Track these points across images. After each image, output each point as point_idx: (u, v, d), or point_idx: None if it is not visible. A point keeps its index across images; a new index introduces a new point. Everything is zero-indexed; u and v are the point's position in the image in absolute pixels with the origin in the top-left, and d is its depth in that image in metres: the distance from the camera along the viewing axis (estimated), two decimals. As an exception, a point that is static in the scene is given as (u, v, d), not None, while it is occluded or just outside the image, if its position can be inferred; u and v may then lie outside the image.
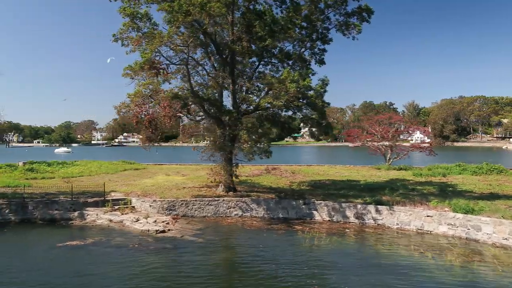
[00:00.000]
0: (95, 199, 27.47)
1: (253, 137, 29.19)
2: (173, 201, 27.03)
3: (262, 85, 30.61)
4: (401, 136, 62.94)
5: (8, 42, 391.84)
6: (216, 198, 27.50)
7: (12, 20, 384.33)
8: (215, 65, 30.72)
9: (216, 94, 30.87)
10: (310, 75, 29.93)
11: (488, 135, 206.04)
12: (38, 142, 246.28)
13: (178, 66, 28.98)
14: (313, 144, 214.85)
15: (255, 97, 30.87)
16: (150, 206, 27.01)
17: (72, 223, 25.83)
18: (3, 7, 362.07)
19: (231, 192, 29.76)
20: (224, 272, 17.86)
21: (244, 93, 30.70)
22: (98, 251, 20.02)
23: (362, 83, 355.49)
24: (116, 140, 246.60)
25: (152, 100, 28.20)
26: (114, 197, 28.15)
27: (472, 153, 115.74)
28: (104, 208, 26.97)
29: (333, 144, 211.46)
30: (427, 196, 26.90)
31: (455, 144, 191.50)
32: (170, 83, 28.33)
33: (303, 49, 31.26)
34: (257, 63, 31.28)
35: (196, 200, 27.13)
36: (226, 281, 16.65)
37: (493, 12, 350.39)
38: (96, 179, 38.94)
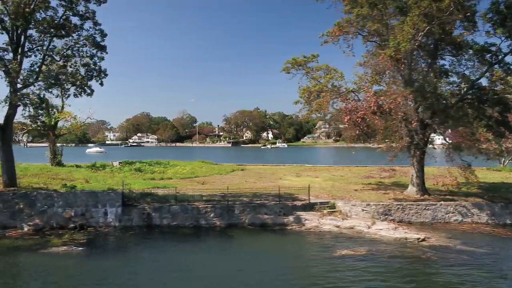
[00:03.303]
0: (302, 202, 25.28)
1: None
2: (388, 205, 24.91)
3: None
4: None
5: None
6: (433, 203, 25.38)
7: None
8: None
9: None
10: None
11: None
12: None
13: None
14: (336, 145, 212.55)
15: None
16: (363, 210, 24.84)
17: (291, 228, 23.57)
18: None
19: (426, 195, 27.68)
20: None
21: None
22: (390, 264, 17.85)
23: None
24: (131, 140, 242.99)
25: (356, 95, 26.21)
26: (317, 201, 25.93)
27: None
28: (313, 212, 24.81)
29: (352, 145, 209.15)
30: None
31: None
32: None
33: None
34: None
35: (412, 205, 25.02)
36: None
37: None
38: (225, 180, 36.83)
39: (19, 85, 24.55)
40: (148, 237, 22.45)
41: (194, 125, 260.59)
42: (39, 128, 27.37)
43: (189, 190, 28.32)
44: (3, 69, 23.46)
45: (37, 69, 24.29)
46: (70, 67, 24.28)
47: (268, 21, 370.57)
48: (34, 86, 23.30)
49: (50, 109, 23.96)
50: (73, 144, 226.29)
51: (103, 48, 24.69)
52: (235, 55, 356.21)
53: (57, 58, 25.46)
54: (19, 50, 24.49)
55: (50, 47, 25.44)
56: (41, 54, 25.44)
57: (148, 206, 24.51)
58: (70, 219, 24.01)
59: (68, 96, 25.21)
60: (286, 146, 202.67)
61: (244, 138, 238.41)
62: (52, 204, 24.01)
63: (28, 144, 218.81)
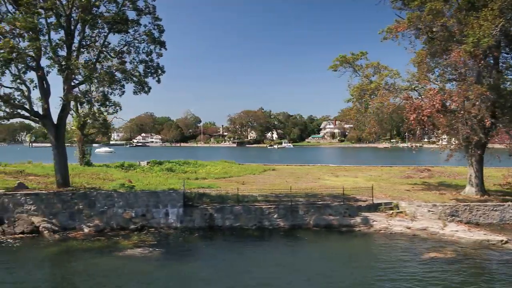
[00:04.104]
0: (366, 203, 24.63)
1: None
2: (455, 206, 24.25)
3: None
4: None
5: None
6: (500, 204, 24.72)
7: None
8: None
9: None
10: None
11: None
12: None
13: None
14: (341, 145, 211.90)
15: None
16: (429, 211, 24.18)
17: (358, 230, 22.89)
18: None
19: (486, 196, 27.04)
20: None
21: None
22: (486, 266, 17.25)
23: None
24: (135, 140, 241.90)
25: (417, 93, 25.59)
26: (381, 201, 25.29)
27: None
28: (377, 213, 24.17)
29: (358, 145, 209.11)
30: None
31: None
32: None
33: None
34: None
35: (480, 206, 24.38)
36: None
37: None
38: (264, 180, 36.34)
39: (71, 83, 23.91)
40: (216, 239, 21.79)
41: (198, 125, 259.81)
42: (98, 126, 26.46)
43: (234, 190, 27.49)
44: (63, 64, 22.70)
45: (91, 66, 23.54)
46: (130, 63, 23.58)
47: (268, 21, 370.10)
48: (92, 83, 22.52)
49: (114, 107, 23.09)
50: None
51: (162, 44, 23.98)
52: (236, 55, 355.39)
53: (112, 54, 24.73)
54: (73, 47, 23.82)
55: (105, 43, 24.72)
56: (95, 51, 24.74)
57: (210, 206, 23.81)
58: (130, 219, 23.32)
59: (123, 93, 24.47)
60: (292, 146, 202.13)
61: (249, 138, 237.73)
62: (112, 205, 23.30)
63: (33, 144, 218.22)
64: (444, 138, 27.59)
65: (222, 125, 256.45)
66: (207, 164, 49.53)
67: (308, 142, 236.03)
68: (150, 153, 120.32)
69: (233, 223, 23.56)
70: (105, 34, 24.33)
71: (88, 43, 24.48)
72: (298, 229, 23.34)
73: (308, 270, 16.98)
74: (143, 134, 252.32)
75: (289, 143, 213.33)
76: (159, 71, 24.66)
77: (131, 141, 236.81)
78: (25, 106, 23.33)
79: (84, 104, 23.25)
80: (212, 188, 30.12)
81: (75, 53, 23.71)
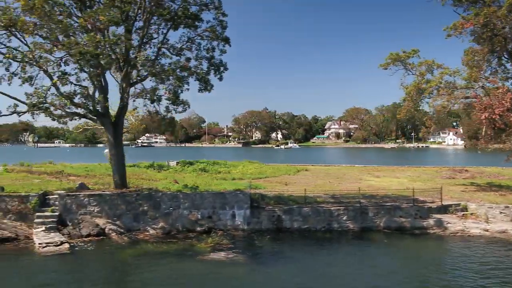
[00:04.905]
0: (435, 204, 23.94)
1: None
2: (528, 208, 23.62)
3: None
4: None
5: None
6: None
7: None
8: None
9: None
10: None
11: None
12: (59, 142, 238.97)
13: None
14: (347, 146, 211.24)
15: None
16: (501, 213, 23.48)
17: (433, 232, 22.20)
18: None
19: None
20: None
21: None
22: None
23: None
24: (139, 141, 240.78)
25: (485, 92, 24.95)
26: (450, 203, 24.60)
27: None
28: (448, 215, 23.49)
29: (363, 145, 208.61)
30: None
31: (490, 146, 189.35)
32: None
33: None
34: None
35: (551, 207, 23.75)
36: None
37: None
38: (306, 180, 35.58)
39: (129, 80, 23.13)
40: (291, 242, 21.10)
41: (203, 125, 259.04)
42: (166, 124, 25.61)
43: (279, 191, 26.70)
44: (124, 60, 21.94)
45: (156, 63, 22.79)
46: (195, 60, 22.81)
47: (268, 21, 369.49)
48: (160, 80, 21.75)
49: (183, 105, 22.31)
50: (82, 145, 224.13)
51: (227, 40, 23.24)
52: (237, 56, 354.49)
53: (171, 51, 23.98)
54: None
55: (164, 40, 23.96)
56: (152, 48, 24.00)
57: (278, 208, 23.10)
58: (196, 221, 22.58)
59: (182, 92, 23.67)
60: (297, 146, 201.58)
61: (254, 138, 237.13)
62: (177, 206, 22.55)
63: (38, 145, 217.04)
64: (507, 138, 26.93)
65: (226, 125, 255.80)
66: (236, 164, 48.80)
67: (313, 142, 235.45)
68: (158, 153, 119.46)
69: (301, 225, 22.86)
70: (165, 30, 23.57)
71: (147, 40, 23.74)
72: (368, 232, 22.65)
73: (405, 273, 16.32)
74: (147, 135, 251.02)
75: (295, 143, 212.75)
76: (221, 68, 23.90)
77: (136, 142, 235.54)
78: (86, 105, 22.54)
79: (149, 103, 22.29)
80: (260, 188, 29.47)
81: (134, 50, 22.92)
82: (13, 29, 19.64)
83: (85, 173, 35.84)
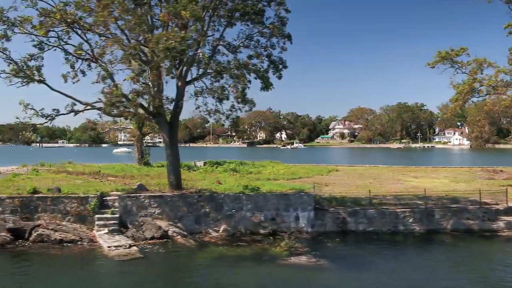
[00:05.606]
0: (501, 206, 23.36)
1: None
2: None
3: None
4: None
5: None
6: None
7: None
8: None
9: None
10: None
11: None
12: (63, 142, 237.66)
13: None
14: (352, 146, 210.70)
15: None
16: None
17: (506, 235, 21.62)
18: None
19: None
20: None
21: None
22: None
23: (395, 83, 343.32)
24: (144, 141, 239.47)
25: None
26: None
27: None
28: (514, 217, 22.92)
29: (369, 145, 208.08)
30: None
31: (496, 146, 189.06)
32: None
33: None
34: None
35: None
36: None
37: None
38: (341, 181, 35.07)
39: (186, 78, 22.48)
40: (362, 244, 20.47)
41: (206, 125, 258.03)
42: (229, 125, 24.97)
43: (325, 192, 26.04)
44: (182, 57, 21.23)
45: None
46: (256, 58, 22.14)
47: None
48: (206, 79, 21.13)
49: (250, 104, 21.67)
50: (87, 145, 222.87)
51: (288, 37, 22.58)
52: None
53: (228, 48, 23.33)
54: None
55: (221, 36, 23.31)
56: (208, 44, 23.32)
57: (342, 210, 22.47)
58: (259, 223, 21.91)
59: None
60: (303, 146, 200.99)
61: (258, 138, 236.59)
62: (240, 208, 21.88)
63: (43, 145, 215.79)
64: None
65: (230, 125, 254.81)
66: (264, 164, 48.24)
67: (318, 142, 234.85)
68: (163, 153, 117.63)
69: (367, 228, 22.22)
70: (222, 27, 22.93)
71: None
72: (434, 234, 22.04)
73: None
74: (150, 135, 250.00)
75: (300, 143, 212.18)
76: (280, 66, 23.25)
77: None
78: (144, 103, 21.89)
79: (213, 102, 21.66)
80: (304, 189, 28.85)
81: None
82: (76, 26, 19.02)
83: (122, 174, 35.20)
